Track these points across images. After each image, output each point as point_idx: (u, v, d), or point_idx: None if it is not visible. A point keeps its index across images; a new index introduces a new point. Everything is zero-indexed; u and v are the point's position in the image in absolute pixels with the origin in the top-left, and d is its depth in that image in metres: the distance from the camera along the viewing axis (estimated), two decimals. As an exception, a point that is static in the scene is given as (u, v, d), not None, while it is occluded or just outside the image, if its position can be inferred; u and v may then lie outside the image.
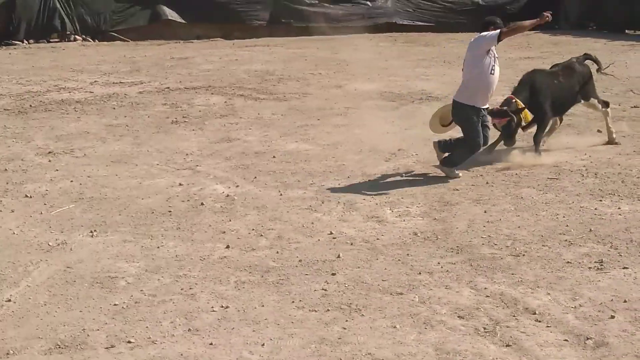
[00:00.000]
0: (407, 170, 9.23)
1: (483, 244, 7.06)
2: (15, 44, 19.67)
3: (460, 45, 16.56)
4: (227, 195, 8.51)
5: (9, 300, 6.12)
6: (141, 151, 10.31)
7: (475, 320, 5.67)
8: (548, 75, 9.87)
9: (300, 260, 6.80)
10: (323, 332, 5.55)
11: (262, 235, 7.39)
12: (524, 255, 6.80)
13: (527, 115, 9.22)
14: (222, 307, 5.96)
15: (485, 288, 6.18)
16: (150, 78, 15.16)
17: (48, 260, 6.89)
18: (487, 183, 8.72)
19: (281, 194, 8.53)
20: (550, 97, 9.58)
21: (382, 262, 6.73)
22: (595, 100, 10.16)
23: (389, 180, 8.90)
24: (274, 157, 9.92)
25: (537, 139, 9.63)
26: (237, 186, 8.82)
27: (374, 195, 8.42)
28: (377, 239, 7.26)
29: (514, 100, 9.22)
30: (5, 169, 9.60)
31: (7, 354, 5.35)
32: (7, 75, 15.55)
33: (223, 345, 5.41)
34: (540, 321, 5.64)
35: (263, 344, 5.41)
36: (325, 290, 6.21)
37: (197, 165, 9.65)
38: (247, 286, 6.32)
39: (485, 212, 7.85)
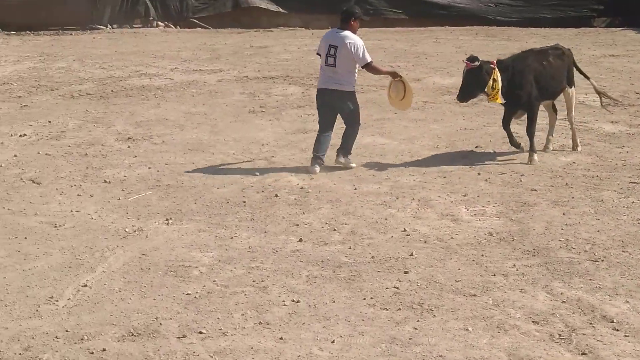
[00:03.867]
0: (484, 168, 9.08)
1: (560, 247, 6.91)
2: (99, 29, 19.98)
3: (542, 41, 16.27)
4: (302, 188, 8.51)
5: (85, 286, 6.23)
6: (218, 140, 10.39)
7: (550, 326, 5.56)
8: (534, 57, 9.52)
9: (372, 257, 6.76)
10: (394, 332, 5.50)
11: (335, 230, 7.37)
12: (603, 260, 6.63)
13: (497, 97, 9.05)
14: (293, 301, 5.96)
15: (561, 293, 6.05)
16: (230, 66, 15.24)
17: (124, 247, 7.00)
18: (566, 184, 8.53)
19: (355, 188, 8.49)
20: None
21: (456, 262, 6.65)
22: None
23: (465, 177, 8.77)
24: (349, 150, 9.85)
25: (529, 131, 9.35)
26: (312, 179, 8.81)
27: (450, 192, 8.31)
28: (452, 237, 7.17)
29: (492, 65, 9.06)
30: (86, 154, 9.78)
31: (82, 339, 5.44)
32: (90, 59, 15.82)
33: (293, 340, 5.41)
34: (618, 330, 5.50)
35: (333, 341, 5.39)
36: (397, 288, 6.17)
37: (273, 156, 9.67)
38: (319, 281, 6.32)
39: (563, 214, 7.68)
